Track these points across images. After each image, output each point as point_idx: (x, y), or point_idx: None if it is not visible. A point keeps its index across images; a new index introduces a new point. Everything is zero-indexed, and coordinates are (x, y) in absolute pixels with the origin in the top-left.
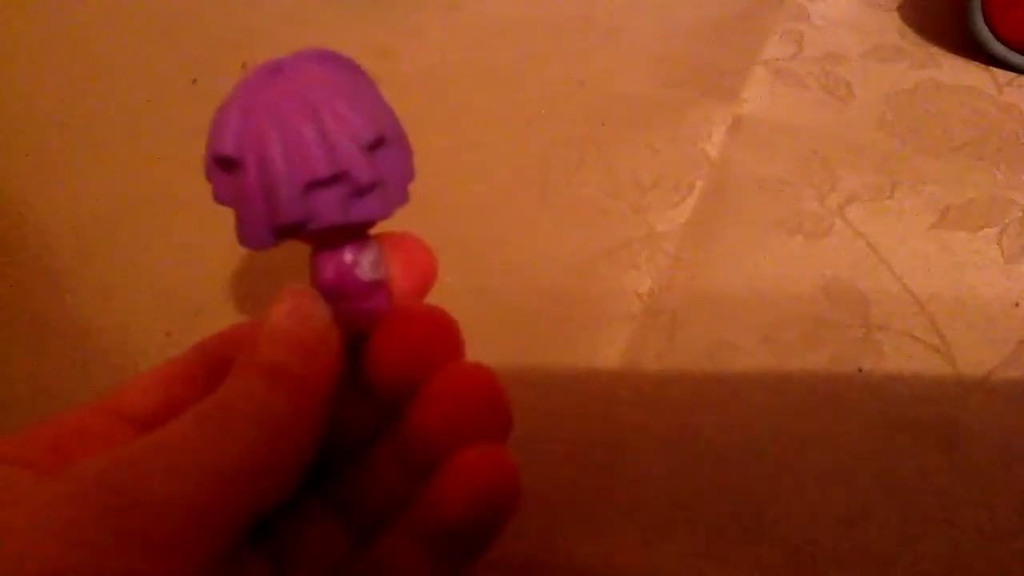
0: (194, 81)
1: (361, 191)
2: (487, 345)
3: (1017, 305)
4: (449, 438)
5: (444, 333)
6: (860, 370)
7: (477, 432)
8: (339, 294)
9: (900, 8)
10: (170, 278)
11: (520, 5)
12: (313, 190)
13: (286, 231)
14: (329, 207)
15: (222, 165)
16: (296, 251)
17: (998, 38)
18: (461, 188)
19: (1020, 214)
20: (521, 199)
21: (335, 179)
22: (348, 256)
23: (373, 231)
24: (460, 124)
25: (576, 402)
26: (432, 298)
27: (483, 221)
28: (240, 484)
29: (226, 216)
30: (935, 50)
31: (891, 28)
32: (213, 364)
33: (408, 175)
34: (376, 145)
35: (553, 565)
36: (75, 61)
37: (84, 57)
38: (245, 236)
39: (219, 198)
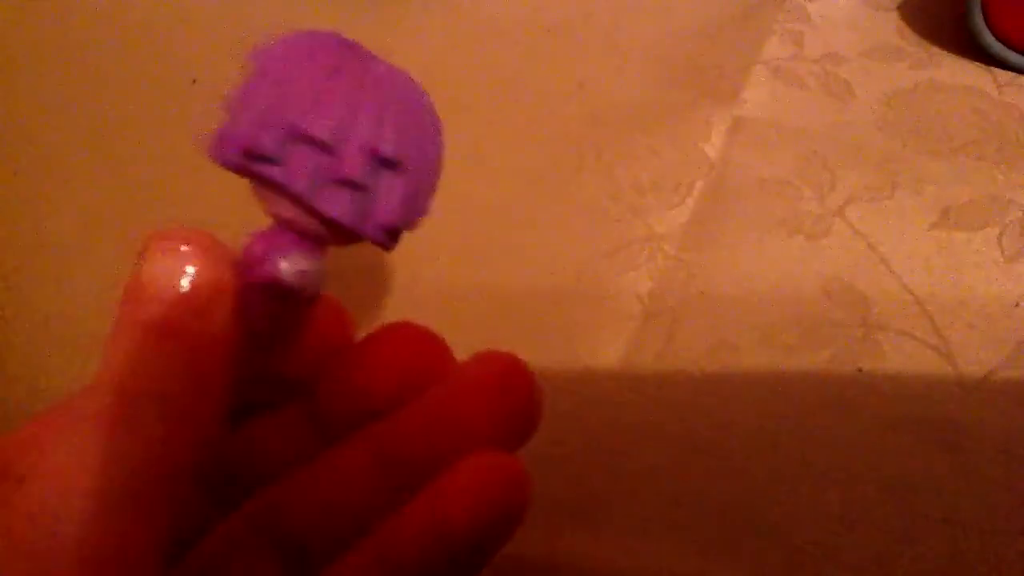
0: (194, 81)
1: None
2: (487, 346)
3: (1017, 305)
4: (471, 432)
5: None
6: (860, 370)
7: (506, 430)
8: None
9: (900, 8)
10: None
11: (520, 5)
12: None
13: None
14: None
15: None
16: None
17: (998, 38)
18: (460, 189)
19: (1020, 214)
20: (520, 200)
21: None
22: (287, 243)
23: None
24: (459, 124)
25: (576, 403)
26: (432, 298)
27: (482, 222)
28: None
29: (225, 216)
30: (935, 50)
31: (891, 28)
32: None
33: (396, 211)
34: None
35: (553, 565)
36: (75, 61)
37: (84, 57)
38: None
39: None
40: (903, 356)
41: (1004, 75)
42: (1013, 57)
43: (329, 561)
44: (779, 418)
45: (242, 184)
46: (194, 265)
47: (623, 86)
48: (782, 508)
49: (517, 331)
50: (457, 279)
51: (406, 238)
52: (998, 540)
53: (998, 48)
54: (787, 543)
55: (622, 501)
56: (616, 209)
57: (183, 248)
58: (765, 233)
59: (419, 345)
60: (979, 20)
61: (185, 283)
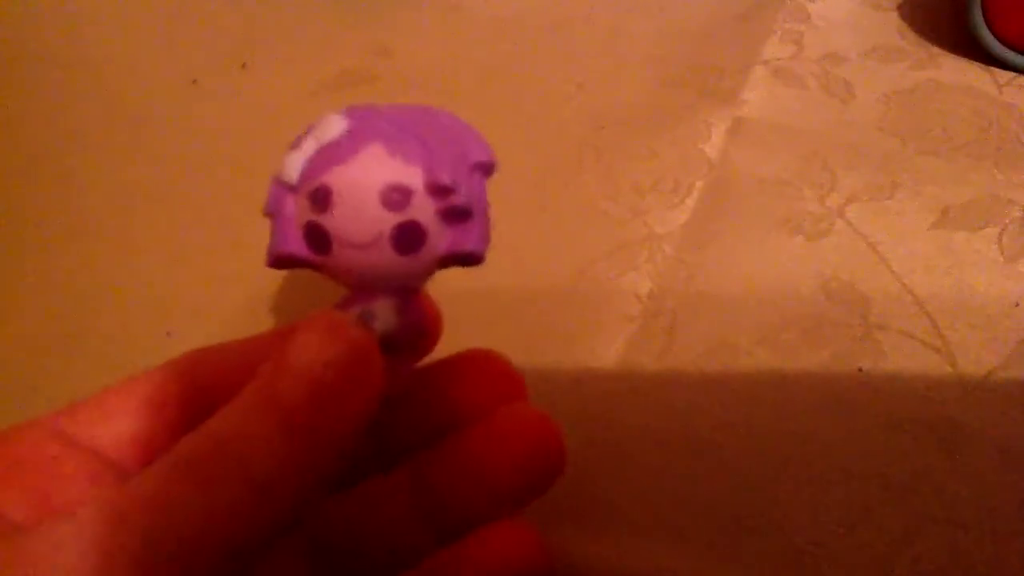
0: (194, 81)
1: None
2: (486, 347)
3: (1017, 305)
4: (503, 481)
5: (504, 372)
6: (860, 370)
7: (533, 479)
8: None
9: (900, 8)
10: (170, 278)
11: (520, 5)
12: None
13: None
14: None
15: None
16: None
17: (998, 38)
18: None
19: (1020, 214)
20: (520, 201)
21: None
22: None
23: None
24: None
25: (575, 403)
26: (433, 298)
27: None
28: (220, 542)
29: (226, 216)
30: (935, 50)
31: (891, 28)
32: (187, 389)
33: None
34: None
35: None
36: (75, 61)
37: (84, 57)
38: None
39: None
40: (903, 356)
41: (1004, 75)
42: (1013, 57)
43: None
44: (779, 418)
45: (240, 184)
46: (342, 349)
47: (623, 86)
48: (782, 508)
49: (517, 331)
50: (457, 279)
51: None
52: (998, 540)
53: (998, 48)
54: (787, 543)
55: (622, 501)
56: (616, 210)
57: (331, 332)
58: (765, 233)
59: (494, 379)
60: (979, 20)
61: (330, 369)
